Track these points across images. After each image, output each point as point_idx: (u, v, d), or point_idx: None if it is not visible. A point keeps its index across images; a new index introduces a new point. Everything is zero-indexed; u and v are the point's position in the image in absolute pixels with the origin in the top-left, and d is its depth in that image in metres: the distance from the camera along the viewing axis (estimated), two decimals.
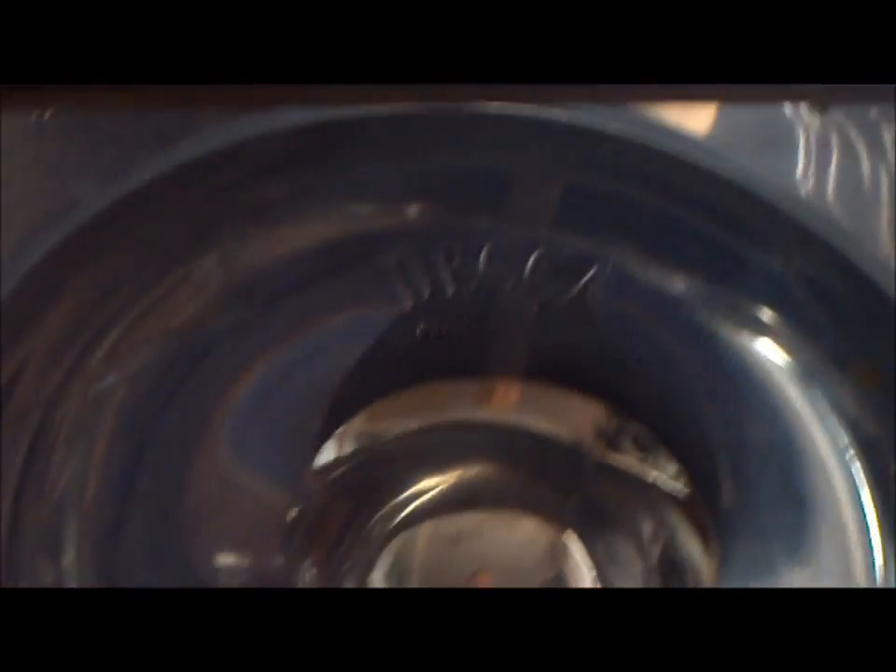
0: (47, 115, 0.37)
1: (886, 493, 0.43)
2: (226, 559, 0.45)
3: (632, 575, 0.43)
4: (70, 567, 0.43)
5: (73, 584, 0.43)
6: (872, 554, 0.44)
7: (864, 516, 0.44)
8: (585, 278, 0.42)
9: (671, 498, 0.44)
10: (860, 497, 0.44)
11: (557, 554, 0.42)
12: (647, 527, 0.44)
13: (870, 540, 0.44)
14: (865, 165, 0.38)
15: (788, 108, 0.38)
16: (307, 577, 0.43)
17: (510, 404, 0.45)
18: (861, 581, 0.44)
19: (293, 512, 0.45)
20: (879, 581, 0.43)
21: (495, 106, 0.38)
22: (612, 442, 0.44)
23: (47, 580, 0.42)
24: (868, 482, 0.43)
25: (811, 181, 0.37)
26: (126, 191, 0.36)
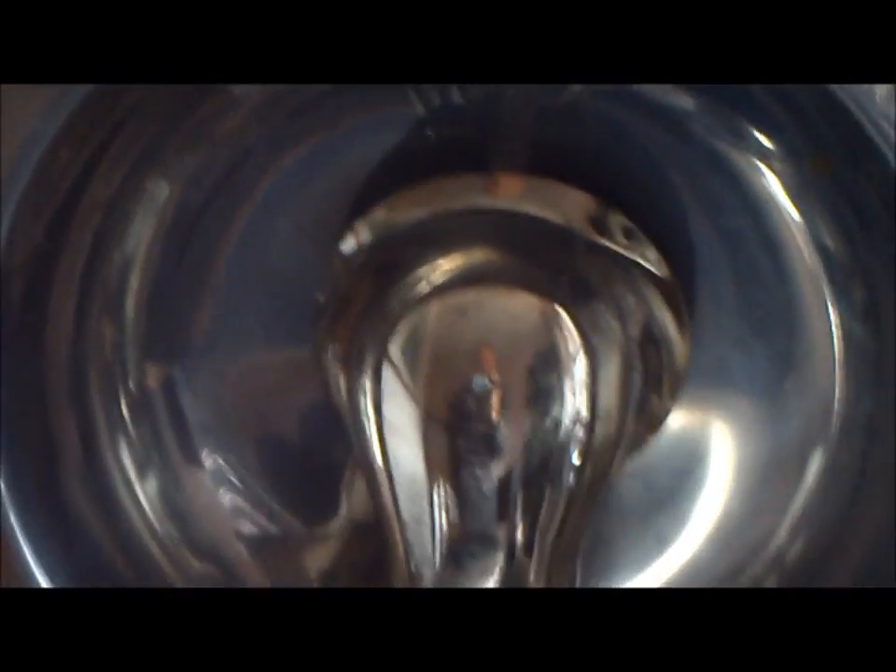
0: None
1: (840, 273, 0.47)
2: (259, 336, 0.50)
3: (614, 343, 0.46)
4: (130, 324, 0.49)
5: (130, 339, 0.49)
6: (829, 325, 0.48)
7: (823, 292, 0.48)
8: (579, 86, 0.45)
9: (652, 279, 0.47)
10: (819, 276, 0.48)
11: (550, 324, 0.44)
12: (629, 303, 0.47)
13: (828, 314, 0.48)
14: None
15: None
16: (332, 352, 0.47)
17: (511, 195, 0.47)
18: (816, 345, 0.48)
19: (320, 295, 0.48)
20: (836, 348, 0.49)
21: None
22: (601, 229, 0.47)
23: (109, 336, 0.49)
24: (825, 260, 0.47)
25: None
26: None
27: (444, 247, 0.47)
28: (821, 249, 0.47)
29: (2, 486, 0.44)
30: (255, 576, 0.52)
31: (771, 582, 0.50)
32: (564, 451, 0.44)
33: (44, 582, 0.45)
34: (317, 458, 0.51)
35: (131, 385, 0.50)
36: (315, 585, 0.51)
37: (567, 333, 0.44)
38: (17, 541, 0.45)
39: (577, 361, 0.44)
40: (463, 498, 0.44)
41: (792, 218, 0.47)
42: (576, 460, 0.44)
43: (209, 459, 0.51)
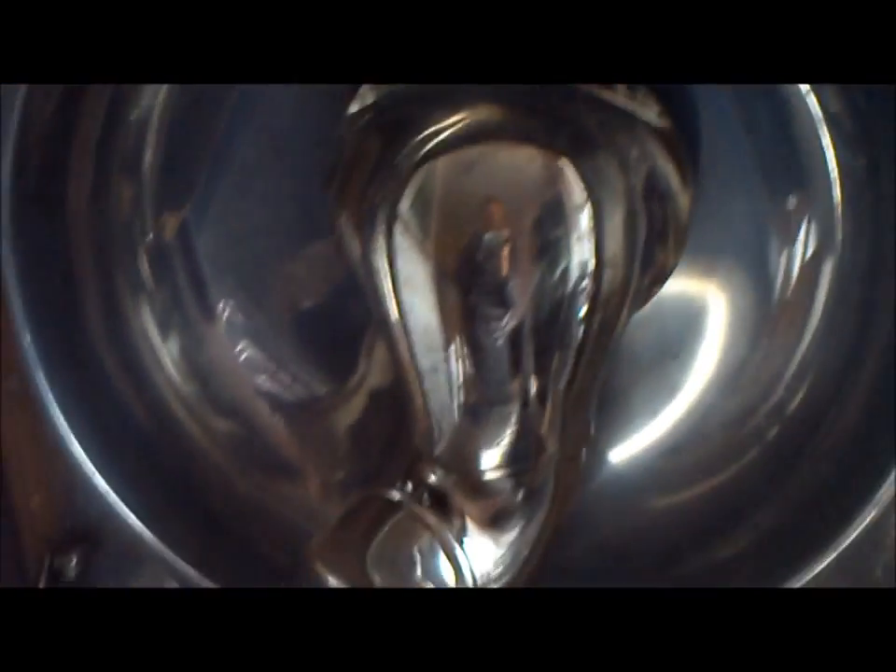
0: None
1: (841, 120, 0.48)
2: (270, 197, 0.52)
3: (618, 194, 0.46)
4: (147, 180, 0.51)
5: (147, 194, 0.51)
6: (830, 172, 0.49)
7: (825, 139, 0.49)
8: None
9: (654, 131, 0.48)
10: (820, 123, 0.49)
11: (555, 176, 0.44)
12: (632, 155, 0.47)
13: (829, 161, 0.49)
14: None
15: None
16: (345, 214, 0.48)
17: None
18: (818, 193, 0.50)
19: (328, 157, 0.49)
20: (837, 193, 0.50)
21: None
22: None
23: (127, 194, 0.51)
24: (825, 107, 0.48)
25: None
26: None
27: (448, 105, 0.47)
28: (823, 96, 0.48)
29: (31, 351, 0.46)
30: (276, 432, 0.54)
31: (772, 434, 0.52)
32: (572, 301, 0.45)
33: (75, 441, 0.47)
34: (337, 318, 0.53)
35: (149, 240, 0.52)
36: (344, 441, 0.53)
37: (571, 185, 0.45)
38: (51, 407, 0.47)
39: (582, 212, 0.45)
40: (477, 350, 0.45)
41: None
42: (584, 310, 0.45)
43: (228, 318, 0.53)
